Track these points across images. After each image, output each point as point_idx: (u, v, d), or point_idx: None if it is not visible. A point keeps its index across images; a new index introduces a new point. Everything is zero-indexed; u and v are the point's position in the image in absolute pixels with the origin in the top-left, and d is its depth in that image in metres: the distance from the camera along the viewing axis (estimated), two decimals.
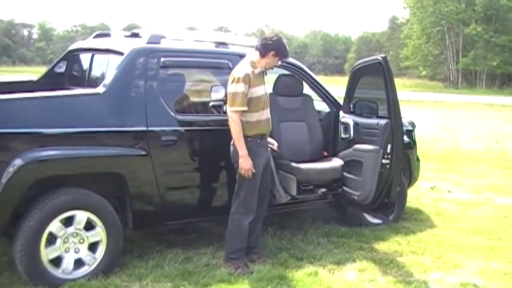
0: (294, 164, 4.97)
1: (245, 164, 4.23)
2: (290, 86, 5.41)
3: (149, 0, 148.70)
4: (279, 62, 4.53)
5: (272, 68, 4.59)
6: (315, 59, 71.69)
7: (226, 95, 4.40)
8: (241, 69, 4.31)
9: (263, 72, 4.44)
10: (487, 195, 7.38)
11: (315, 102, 5.73)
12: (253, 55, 4.42)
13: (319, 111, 5.88)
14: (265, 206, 4.61)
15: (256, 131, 4.34)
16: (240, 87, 4.21)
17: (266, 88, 4.47)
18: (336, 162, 5.24)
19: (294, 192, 4.89)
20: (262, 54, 4.37)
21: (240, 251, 4.43)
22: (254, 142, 4.33)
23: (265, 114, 4.41)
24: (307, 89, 5.56)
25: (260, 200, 4.49)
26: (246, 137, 4.27)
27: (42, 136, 3.85)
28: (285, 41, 4.46)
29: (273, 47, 4.35)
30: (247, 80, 4.24)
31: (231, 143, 4.36)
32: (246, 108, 4.25)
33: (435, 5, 45.96)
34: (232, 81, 4.26)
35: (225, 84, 4.80)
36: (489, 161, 10.26)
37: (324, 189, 5.19)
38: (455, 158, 10.49)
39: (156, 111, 4.30)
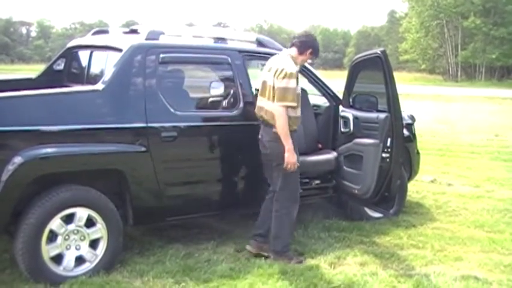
0: None
1: (292, 157, 4.28)
2: None
3: None
4: (309, 60, 4.58)
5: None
6: None
7: (258, 89, 4.46)
8: (290, 64, 4.32)
9: None
10: (487, 188, 7.38)
11: (315, 96, 5.73)
12: (291, 51, 4.46)
13: (318, 106, 5.89)
14: None
15: (294, 126, 4.39)
16: (293, 83, 4.24)
17: None
18: (330, 154, 5.30)
19: None
20: (301, 52, 4.44)
21: (289, 243, 4.54)
22: (292, 137, 4.36)
23: (300, 111, 4.48)
24: (306, 84, 5.55)
25: None
26: None
27: (42, 134, 3.84)
28: None
29: (310, 44, 4.46)
30: (297, 76, 4.30)
31: (266, 139, 4.39)
32: (295, 104, 4.30)
33: None
34: (284, 76, 4.24)
35: (224, 80, 4.81)
36: (489, 153, 10.25)
37: (318, 181, 5.25)
38: (455, 151, 10.49)
39: (156, 107, 4.29)
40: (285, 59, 4.40)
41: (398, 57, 51.12)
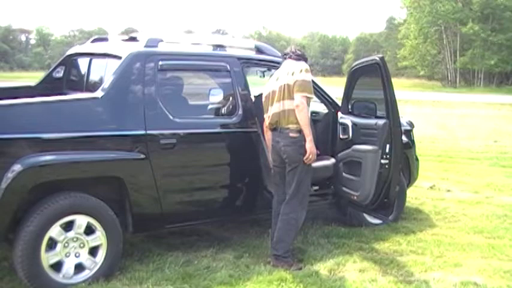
0: None
1: (313, 147, 4.41)
2: None
3: (146, 4, 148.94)
4: None
5: None
6: (313, 60, 71.53)
7: (278, 88, 4.49)
8: (302, 63, 4.52)
9: None
10: (486, 194, 7.38)
11: (313, 103, 5.74)
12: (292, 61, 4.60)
13: (317, 112, 5.90)
14: None
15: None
16: (309, 77, 4.44)
17: None
18: (328, 160, 5.32)
19: None
20: None
21: (290, 249, 4.57)
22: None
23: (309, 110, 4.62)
24: None
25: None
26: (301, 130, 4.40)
27: (41, 141, 3.85)
28: None
29: (304, 58, 4.66)
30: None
31: (282, 144, 4.43)
32: (313, 96, 4.52)
33: (432, 5, 46.03)
34: (301, 71, 4.40)
35: (223, 87, 4.83)
36: (488, 159, 10.25)
37: (316, 187, 5.27)
38: (454, 157, 10.50)
39: (155, 114, 4.31)
40: (293, 62, 4.54)
41: (397, 63, 51.22)
